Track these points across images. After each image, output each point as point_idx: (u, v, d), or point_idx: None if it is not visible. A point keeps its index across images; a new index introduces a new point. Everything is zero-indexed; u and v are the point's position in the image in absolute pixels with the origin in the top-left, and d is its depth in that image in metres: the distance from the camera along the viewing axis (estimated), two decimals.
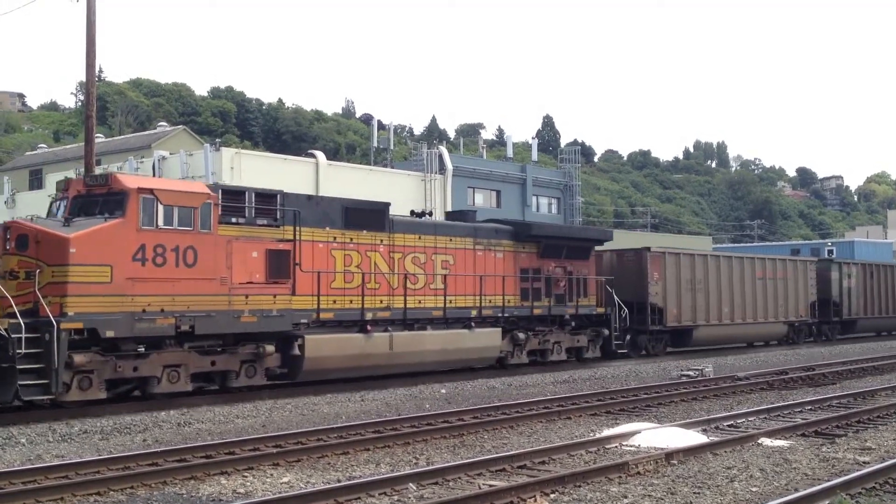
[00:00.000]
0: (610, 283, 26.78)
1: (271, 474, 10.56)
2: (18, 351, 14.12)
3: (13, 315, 14.28)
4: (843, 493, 9.20)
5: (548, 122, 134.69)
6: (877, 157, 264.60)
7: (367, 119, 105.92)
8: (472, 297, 22.34)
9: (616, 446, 12.26)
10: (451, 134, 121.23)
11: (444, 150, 50.77)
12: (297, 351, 18.14)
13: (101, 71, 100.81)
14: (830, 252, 60.02)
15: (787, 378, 21.35)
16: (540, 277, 24.35)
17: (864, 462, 11.18)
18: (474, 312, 22.26)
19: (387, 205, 20.99)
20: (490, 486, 9.62)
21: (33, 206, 33.25)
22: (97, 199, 16.05)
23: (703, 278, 30.27)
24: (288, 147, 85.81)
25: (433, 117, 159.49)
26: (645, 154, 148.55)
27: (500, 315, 22.95)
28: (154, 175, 39.20)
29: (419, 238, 21.35)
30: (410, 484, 9.66)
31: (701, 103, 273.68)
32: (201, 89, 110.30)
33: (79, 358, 14.94)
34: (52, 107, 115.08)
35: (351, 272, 19.59)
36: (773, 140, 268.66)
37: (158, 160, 41.78)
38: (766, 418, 14.96)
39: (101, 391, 15.45)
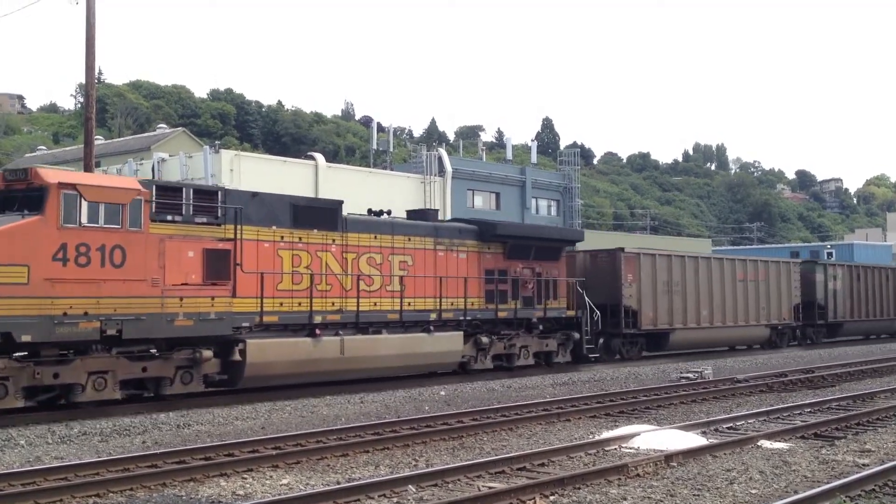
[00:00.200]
0: (582, 284, 26.03)
1: (271, 476, 10.56)
2: None
3: None
4: (842, 496, 9.20)
5: (547, 125, 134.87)
6: (876, 159, 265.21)
7: (366, 121, 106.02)
8: (432, 299, 21.47)
9: (615, 448, 12.25)
10: (451, 136, 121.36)
11: (443, 152, 50.81)
12: (237, 356, 17.21)
13: (100, 73, 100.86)
14: (830, 254, 60.14)
15: (787, 380, 21.34)
16: (506, 279, 23.49)
17: (863, 464, 11.17)
18: (434, 315, 21.42)
19: (339, 203, 20.06)
20: (489, 488, 9.62)
21: None
22: (17, 195, 15.12)
23: (681, 280, 29.55)
24: (287, 149, 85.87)
25: (433, 119, 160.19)
26: (644, 156, 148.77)
27: (461, 318, 22.13)
28: (154, 177, 39.27)
29: (375, 238, 20.47)
30: (410, 486, 9.65)
31: (700, 106, 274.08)
32: (201, 91, 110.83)
33: None
34: (52, 109, 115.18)
35: (299, 273, 18.67)
36: (773, 142, 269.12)
37: (158, 162, 41.86)
38: (765, 420, 14.95)
39: (17, 399, 14.55)
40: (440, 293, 21.58)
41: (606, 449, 12.18)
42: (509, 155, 65.55)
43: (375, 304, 20.25)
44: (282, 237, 18.49)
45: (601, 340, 26.89)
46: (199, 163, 39.16)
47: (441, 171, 47.99)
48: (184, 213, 16.73)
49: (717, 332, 31.45)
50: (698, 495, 9.45)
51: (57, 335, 14.80)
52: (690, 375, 21.94)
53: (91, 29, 21.59)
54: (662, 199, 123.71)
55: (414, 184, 46.88)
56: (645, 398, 17.86)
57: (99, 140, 55.00)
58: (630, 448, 12.25)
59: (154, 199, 16.24)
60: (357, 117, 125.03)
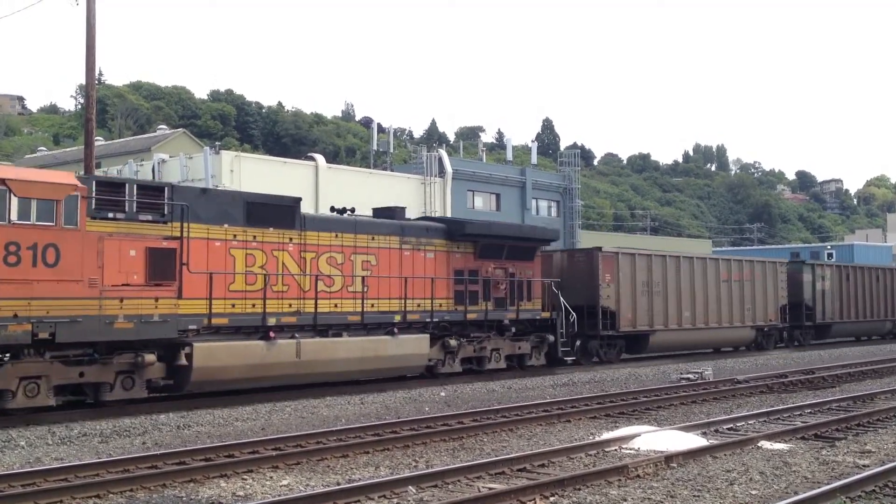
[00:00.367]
0: (557, 285, 25.26)
1: (271, 477, 10.56)
2: None
3: None
4: (842, 497, 9.20)
5: (547, 126, 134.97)
6: (876, 160, 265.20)
7: (366, 122, 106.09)
8: (397, 300, 20.63)
9: (615, 449, 12.25)
10: (451, 137, 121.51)
11: (443, 153, 50.79)
12: (183, 360, 16.41)
13: (100, 74, 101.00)
14: (830, 255, 60.18)
15: (787, 381, 21.35)
16: (477, 279, 22.71)
17: (863, 465, 11.17)
18: (398, 317, 20.60)
19: (297, 200, 19.24)
20: (489, 489, 9.62)
21: None
22: None
23: (662, 280, 28.74)
24: (287, 150, 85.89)
25: (433, 120, 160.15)
26: (644, 157, 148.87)
27: (428, 320, 21.30)
28: (153, 178, 39.29)
29: (336, 236, 19.60)
30: (410, 487, 9.65)
31: (700, 106, 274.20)
32: (201, 92, 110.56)
33: None
34: (52, 110, 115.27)
35: (253, 273, 17.86)
36: (773, 143, 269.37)
37: (158, 163, 41.90)
38: (765, 421, 14.95)
39: None
40: (405, 294, 20.82)
41: (606, 450, 12.18)
42: (509, 156, 65.55)
43: (336, 306, 19.47)
44: (234, 235, 17.70)
45: (578, 343, 26.21)
46: (200, 164, 39.19)
47: (441, 172, 48.00)
48: (127, 210, 15.96)
49: (699, 333, 30.69)
50: (698, 496, 9.45)
51: None
52: (690, 376, 21.95)
53: (91, 30, 21.61)
54: (663, 199, 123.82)
55: (414, 185, 46.89)
56: (645, 399, 17.87)
57: (99, 141, 55.03)
58: (630, 449, 12.24)
59: (94, 195, 15.46)
60: (357, 118, 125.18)
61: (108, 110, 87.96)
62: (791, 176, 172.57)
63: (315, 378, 19.00)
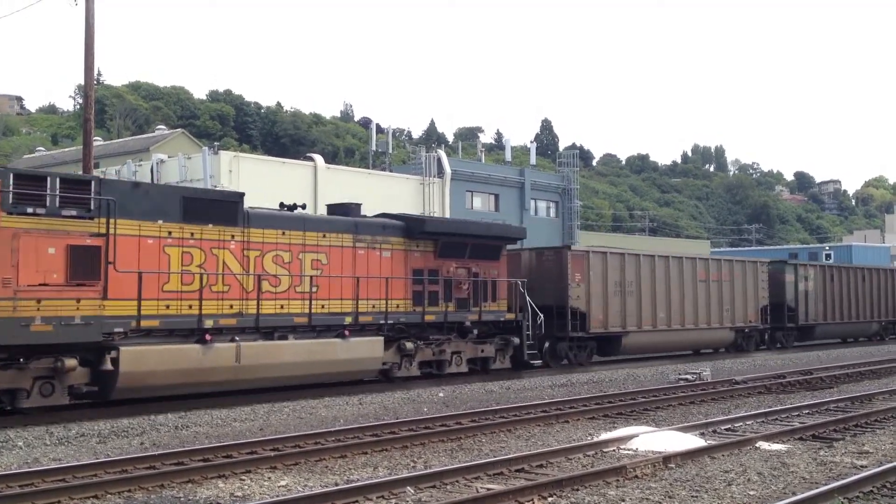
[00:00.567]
0: (525, 285, 24.25)
1: (269, 477, 10.56)
2: None
3: None
4: (840, 497, 9.20)
5: (546, 126, 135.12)
6: (875, 161, 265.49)
7: (365, 122, 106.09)
8: (349, 301, 19.68)
9: (614, 450, 12.25)
10: (450, 137, 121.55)
11: (442, 153, 50.80)
12: (109, 365, 15.41)
13: (99, 74, 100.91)
14: (828, 256, 60.25)
15: (785, 382, 21.36)
16: (437, 279, 21.73)
17: (861, 466, 11.18)
18: (349, 319, 19.61)
19: (240, 195, 18.17)
20: (488, 489, 9.62)
21: None
22: None
23: (635, 280, 27.84)
24: (286, 150, 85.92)
25: (432, 121, 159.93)
26: (643, 158, 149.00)
27: (382, 322, 20.30)
28: (153, 180, 39.29)
29: (283, 234, 18.60)
30: (408, 487, 9.65)
31: (699, 107, 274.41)
32: (200, 93, 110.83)
33: None
34: (51, 110, 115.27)
35: (190, 272, 16.87)
36: (771, 144, 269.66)
37: (156, 163, 41.91)
38: (763, 422, 14.96)
39: None
40: (358, 295, 19.86)
41: (605, 450, 12.18)
42: (508, 156, 65.61)
43: (282, 307, 18.47)
44: (169, 232, 16.63)
45: (546, 345, 25.43)
46: (198, 164, 39.20)
47: (440, 173, 48.00)
48: (48, 205, 14.88)
49: (675, 335, 29.70)
50: (696, 497, 9.45)
51: None
52: (689, 377, 21.97)
53: (90, 30, 21.60)
54: (661, 200, 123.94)
55: (413, 185, 46.90)
56: (643, 399, 17.87)
57: (98, 141, 55.05)
58: (628, 449, 12.25)
59: (11, 188, 14.47)
60: (356, 118, 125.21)
61: (107, 110, 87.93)
62: (789, 177, 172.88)
63: (258, 383, 17.95)
